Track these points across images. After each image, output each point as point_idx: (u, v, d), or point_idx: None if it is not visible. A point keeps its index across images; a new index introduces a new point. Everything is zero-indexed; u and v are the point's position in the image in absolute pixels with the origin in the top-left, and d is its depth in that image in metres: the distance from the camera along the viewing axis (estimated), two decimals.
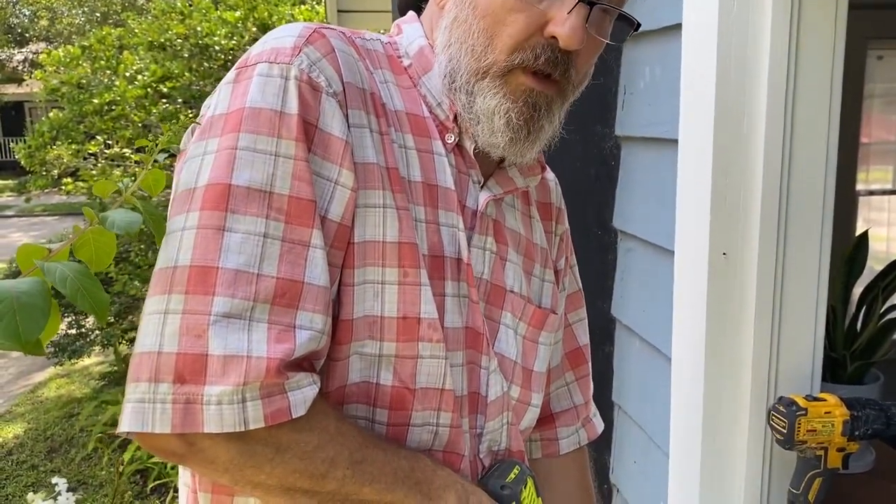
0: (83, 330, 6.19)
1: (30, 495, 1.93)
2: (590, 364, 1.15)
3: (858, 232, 1.95)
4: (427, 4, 0.92)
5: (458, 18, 0.83)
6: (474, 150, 0.88)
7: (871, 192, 3.37)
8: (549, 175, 1.08)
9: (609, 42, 0.84)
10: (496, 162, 0.92)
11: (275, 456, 0.69)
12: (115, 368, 6.66)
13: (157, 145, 0.77)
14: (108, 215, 0.66)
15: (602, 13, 0.81)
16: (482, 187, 0.91)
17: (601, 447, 1.92)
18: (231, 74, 0.78)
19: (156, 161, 0.77)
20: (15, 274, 0.66)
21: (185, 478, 0.87)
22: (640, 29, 0.86)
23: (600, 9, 0.80)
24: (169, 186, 0.81)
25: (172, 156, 0.80)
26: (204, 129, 0.76)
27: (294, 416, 0.68)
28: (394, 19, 0.99)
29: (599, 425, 1.18)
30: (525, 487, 0.89)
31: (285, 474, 0.70)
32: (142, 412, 0.66)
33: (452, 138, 0.87)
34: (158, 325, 0.68)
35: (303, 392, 0.69)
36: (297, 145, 0.73)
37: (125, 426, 0.67)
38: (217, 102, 0.77)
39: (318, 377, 0.72)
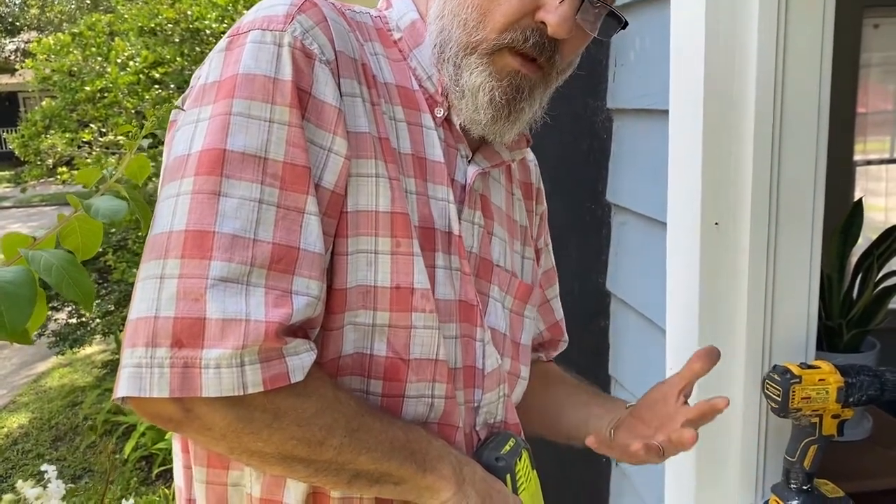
0: (84, 319, 6.20)
1: (19, 483, 1.92)
2: (564, 335, 1.19)
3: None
4: None
5: None
6: (461, 124, 0.88)
7: (869, 162, 3.36)
8: (530, 155, 1.09)
9: (597, 36, 0.85)
10: (482, 136, 0.92)
11: (273, 422, 0.69)
12: (117, 356, 6.66)
13: (141, 129, 0.76)
14: (92, 203, 0.65)
15: (593, 7, 0.82)
16: (470, 161, 0.91)
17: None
18: (222, 43, 0.78)
19: (140, 148, 0.76)
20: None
21: (177, 450, 0.87)
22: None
23: (591, 3, 0.81)
24: (156, 175, 0.80)
25: (160, 142, 0.79)
26: (196, 97, 0.76)
27: (293, 381, 0.69)
28: None
29: (552, 353, 1.21)
30: (520, 459, 0.89)
31: (283, 441, 0.70)
32: (139, 377, 0.66)
33: (442, 112, 0.87)
34: (154, 290, 0.67)
35: (301, 358, 0.69)
36: (291, 111, 0.73)
37: (122, 391, 0.67)
38: (209, 71, 0.76)
39: (314, 345, 0.72)
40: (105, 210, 0.64)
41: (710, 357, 0.94)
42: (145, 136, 0.75)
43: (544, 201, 1.12)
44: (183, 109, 0.77)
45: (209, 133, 0.71)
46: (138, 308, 0.68)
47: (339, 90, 0.77)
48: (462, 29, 0.82)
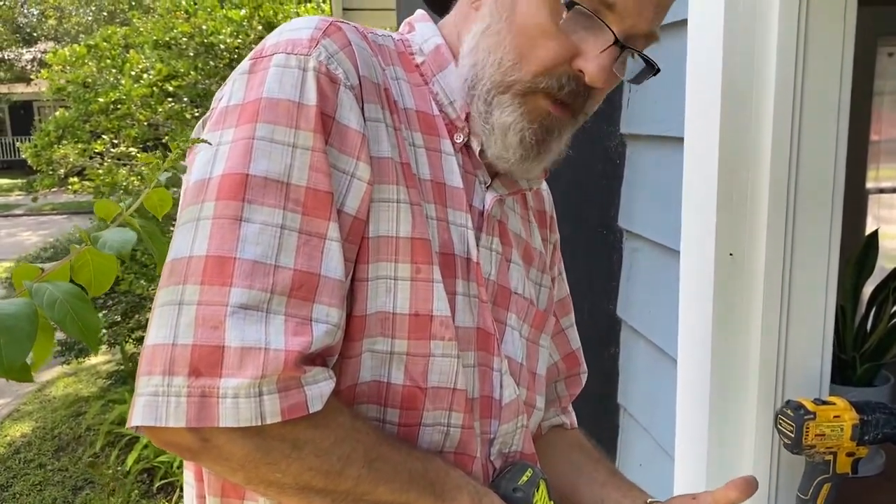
0: None
1: None
2: (583, 366, 1.15)
3: (868, 230, 1.92)
4: (457, 3, 0.91)
5: (490, 28, 0.82)
6: (480, 150, 0.87)
7: (882, 191, 3.34)
8: (542, 184, 1.08)
9: (628, 81, 0.85)
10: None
11: (291, 452, 0.68)
12: (122, 367, 6.67)
13: (163, 162, 0.75)
14: (101, 235, 0.63)
15: (629, 55, 0.81)
16: (488, 188, 0.90)
17: (606, 450, 1.90)
18: (245, 65, 0.77)
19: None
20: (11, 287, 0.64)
21: (189, 479, 0.85)
22: None
23: (629, 52, 0.80)
24: (175, 206, 0.78)
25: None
26: (218, 119, 0.75)
27: (311, 411, 0.67)
28: (399, 17, 0.97)
29: (575, 421, 1.17)
30: (537, 490, 0.87)
31: (301, 472, 0.69)
32: (155, 406, 0.64)
33: (461, 138, 0.87)
34: (173, 317, 0.66)
35: (319, 387, 0.68)
36: (315, 137, 0.72)
37: (137, 420, 0.65)
38: (231, 93, 0.75)
39: (332, 373, 0.71)
40: (113, 243, 0.62)
41: (749, 487, 0.89)
42: (166, 170, 0.73)
43: (557, 230, 1.11)
44: (207, 142, 0.76)
45: (231, 157, 0.70)
46: (156, 335, 0.67)
47: (363, 115, 0.76)
48: (496, 68, 0.81)
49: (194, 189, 0.72)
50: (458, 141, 0.87)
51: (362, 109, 0.76)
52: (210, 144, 0.74)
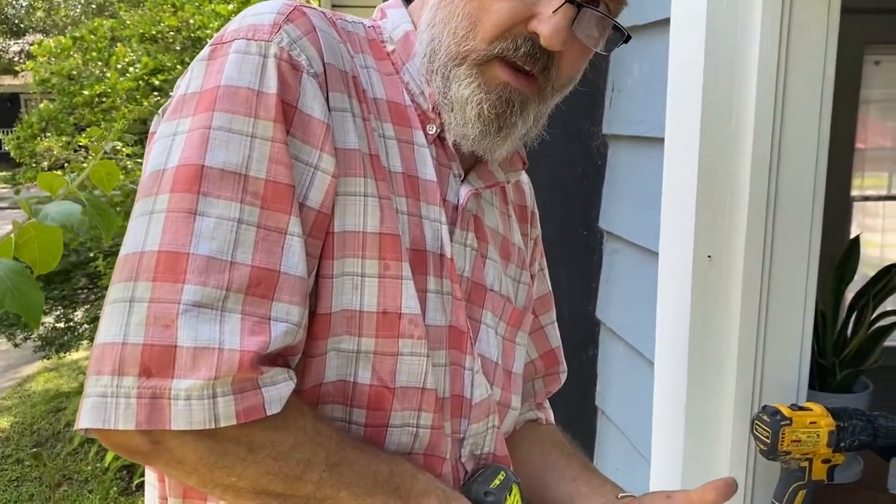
0: (72, 324, 6.13)
1: None
2: (563, 364, 1.13)
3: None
4: None
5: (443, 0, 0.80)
6: (453, 141, 0.85)
7: (867, 198, 3.35)
8: (524, 178, 1.06)
9: (597, 51, 0.82)
10: (476, 156, 0.89)
11: (247, 456, 0.66)
12: None
13: (109, 132, 0.73)
14: (42, 208, 0.61)
15: (594, 19, 0.78)
16: (463, 181, 0.88)
17: (584, 453, 1.88)
18: (205, 52, 0.74)
19: (107, 152, 0.72)
20: None
21: (152, 480, 0.83)
22: (630, 23, 0.83)
23: (594, 15, 0.78)
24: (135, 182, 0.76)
25: (140, 142, 0.75)
26: (175, 108, 0.72)
27: (268, 414, 0.65)
28: None
29: (552, 417, 1.16)
30: (510, 494, 0.85)
31: (258, 476, 0.67)
32: (103, 407, 0.62)
33: (434, 129, 0.84)
34: (123, 315, 0.64)
35: (278, 388, 0.66)
36: (275, 126, 0.69)
37: (85, 422, 0.63)
38: (189, 81, 0.73)
39: (293, 373, 0.69)
40: (56, 215, 0.60)
41: (728, 490, 0.87)
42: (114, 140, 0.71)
43: (538, 225, 1.09)
44: (161, 116, 0.73)
45: (187, 147, 0.68)
46: (105, 333, 0.64)
47: (328, 104, 0.74)
48: (451, 38, 0.79)
49: (149, 180, 0.69)
50: (430, 132, 0.84)
51: (327, 98, 0.74)
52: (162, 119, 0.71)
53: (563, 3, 0.74)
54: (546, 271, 1.12)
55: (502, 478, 0.86)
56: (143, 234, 0.66)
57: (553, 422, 1.15)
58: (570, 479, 1.02)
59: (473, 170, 0.89)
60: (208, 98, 0.70)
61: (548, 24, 0.75)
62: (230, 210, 0.67)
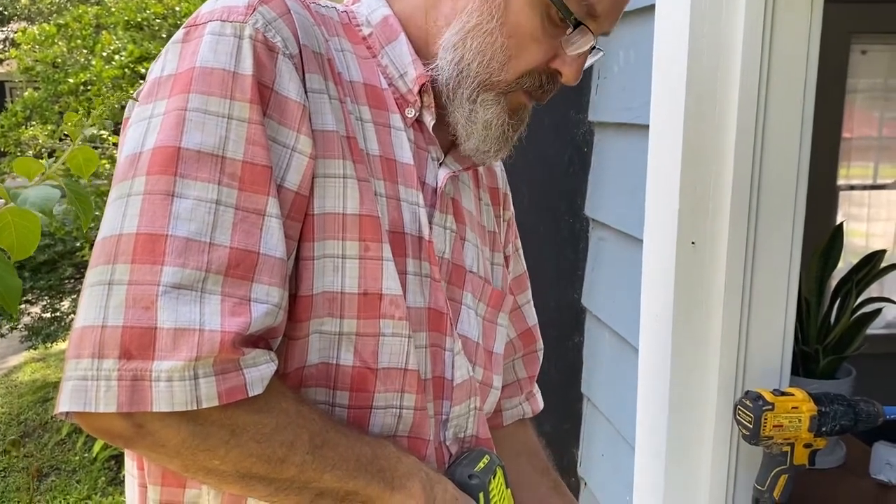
0: (58, 314, 6.09)
1: None
2: (539, 342, 1.14)
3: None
4: None
5: (479, 27, 0.81)
6: (432, 125, 0.86)
7: (852, 187, 3.37)
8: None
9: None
10: (452, 139, 0.89)
11: (230, 438, 0.66)
12: None
13: (87, 118, 0.72)
14: (21, 192, 0.61)
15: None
16: (441, 164, 0.88)
17: (570, 440, 1.89)
18: (179, 34, 0.74)
19: (85, 138, 0.71)
20: None
21: (131, 469, 0.82)
22: None
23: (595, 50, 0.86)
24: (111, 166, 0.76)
25: (116, 132, 0.75)
26: (150, 91, 0.72)
27: (251, 395, 0.65)
28: None
29: (540, 402, 1.17)
30: (494, 477, 0.86)
31: (241, 458, 0.67)
32: (84, 390, 0.62)
33: (413, 112, 0.84)
34: (102, 297, 0.63)
35: (259, 370, 0.66)
36: (251, 107, 0.69)
37: (65, 405, 0.62)
38: (164, 63, 0.72)
39: (275, 355, 0.69)
40: (35, 199, 0.59)
41: None
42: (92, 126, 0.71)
43: (511, 206, 1.10)
44: (136, 100, 0.73)
45: (163, 130, 0.67)
46: (84, 316, 0.64)
47: (304, 86, 0.73)
48: (485, 68, 0.82)
49: (125, 164, 0.69)
50: (409, 115, 0.85)
51: (303, 80, 0.74)
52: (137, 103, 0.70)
53: (590, 48, 0.82)
54: (521, 252, 1.13)
55: (486, 461, 0.86)
56: (120, 217, 0.66)
57: (541, 406, 1.16)
58: (539, 500, 1.06)
59: (450, 153, 0.90)
60: (183, 80, 0.69)
61: (571, 66, 0.83)
62: (208, 192, 0.66)
